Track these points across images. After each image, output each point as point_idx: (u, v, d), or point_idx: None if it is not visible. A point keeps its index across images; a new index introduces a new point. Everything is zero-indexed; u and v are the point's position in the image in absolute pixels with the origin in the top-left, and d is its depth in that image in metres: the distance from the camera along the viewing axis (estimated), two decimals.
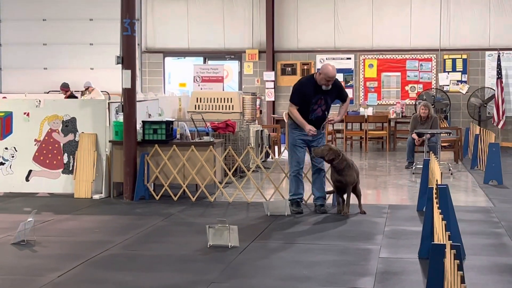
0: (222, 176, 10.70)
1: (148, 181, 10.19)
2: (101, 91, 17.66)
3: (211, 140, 10.54)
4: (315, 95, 8.97)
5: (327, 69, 8.89)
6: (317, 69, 9.42)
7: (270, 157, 14.57)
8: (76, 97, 16.96)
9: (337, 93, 9.12)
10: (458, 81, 18.83)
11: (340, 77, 19.23)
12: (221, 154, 10.74)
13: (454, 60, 18.83)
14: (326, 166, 9.28)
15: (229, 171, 10.39)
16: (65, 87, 17.67)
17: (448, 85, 18.81)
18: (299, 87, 9.06)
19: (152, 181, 10.22)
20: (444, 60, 18.84)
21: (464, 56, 18.75)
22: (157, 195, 10.11)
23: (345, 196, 8.94)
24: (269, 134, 14.79)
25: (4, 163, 10.66)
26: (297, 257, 6.77)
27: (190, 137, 10.60)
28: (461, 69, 18.82)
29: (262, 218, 8.75)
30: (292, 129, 9.14)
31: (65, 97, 16.46)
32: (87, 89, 17.60)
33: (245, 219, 8.78)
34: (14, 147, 10.67)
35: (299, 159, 9.11)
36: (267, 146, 13.79)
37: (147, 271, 6.28)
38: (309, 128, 8.86)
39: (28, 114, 10.67)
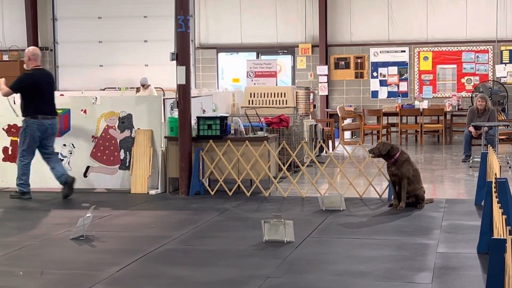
0: (276, 171, 10.70)
1: (203, 177, 10.25)
2: (155, 88, 17.83)
3: (265, 135, 10.55)
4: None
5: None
6: None
7: (324, 151, 14.52)
8: None
9: None
10: None
11: (394, 70, 19.05)
12: (275, 149, 10.75)
13: (511, 52, 18.45)
14: (381, 160, 9.20)
15: (284, 165, 10.38)
16: None
17: (505, 77, 18.45)
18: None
19: (207, 176, 10.28)
20: (501, 51, 18.48)
21: None
22: (212, 190, 10.17)
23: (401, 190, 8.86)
24: (323, 129, 14.74)
25: (63, 160, 10.85)
26: (353, 252, 6.73)
27: (244, 132, 10.62)
28: None
29: (317, 212, 8.73)
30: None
31: None
32: (143, 86, 17.79)
33: (300, 213, 8.76)
34: (72, 144, 10.85)
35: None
36: (321, 141, 13.74)
37: (203, 266, 6.32)
38: None
39: (85, 111, 10.84)
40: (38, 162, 10.89)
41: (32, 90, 9.81)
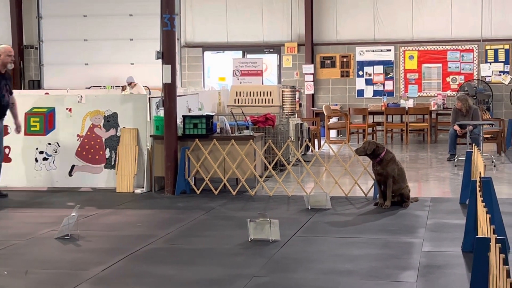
0: (262, 169, 10.71)
1: (189, 176, 10.24)
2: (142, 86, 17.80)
3: (251, 134, 10.55)
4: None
5: (5, 47, 9.48)
6: None
7: (310, 150, 14.54)
8: None
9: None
10: (500, 71, 18.56)
11: (380, 69, 19.11)
12: (261, 148, 10.75)
13: (496, 51, 18.56)
14: (367, 159, 9.22)
15: (269, 164, 10.39)
16: None
17: (490, 76, 18.56)
18: None
19: (193, 175, 10.27)
20: (486, 50, 18.58)
21: (507, 47, 18.47)
22: (198, 189, 10.16)
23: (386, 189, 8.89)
24: (308, 127, 14.75)
25: (48, 159, 10.81)
26: (339, 251, 6.75)
27: (230, 131, 10.62)
28: (504, 60, 18.55)
29: (303, 211, 8.74)
30: None
31: None
32: (129, 84, 17.75)
33: (285, 212, 8.77)
34: (57, 143, 10.81)
35: None
36: (307, 140, 13.76)
37: (189, 265, 6.32)
38: None
39: (70, 110, 10.80)
40: (25, 162, 10.84)
41: None
